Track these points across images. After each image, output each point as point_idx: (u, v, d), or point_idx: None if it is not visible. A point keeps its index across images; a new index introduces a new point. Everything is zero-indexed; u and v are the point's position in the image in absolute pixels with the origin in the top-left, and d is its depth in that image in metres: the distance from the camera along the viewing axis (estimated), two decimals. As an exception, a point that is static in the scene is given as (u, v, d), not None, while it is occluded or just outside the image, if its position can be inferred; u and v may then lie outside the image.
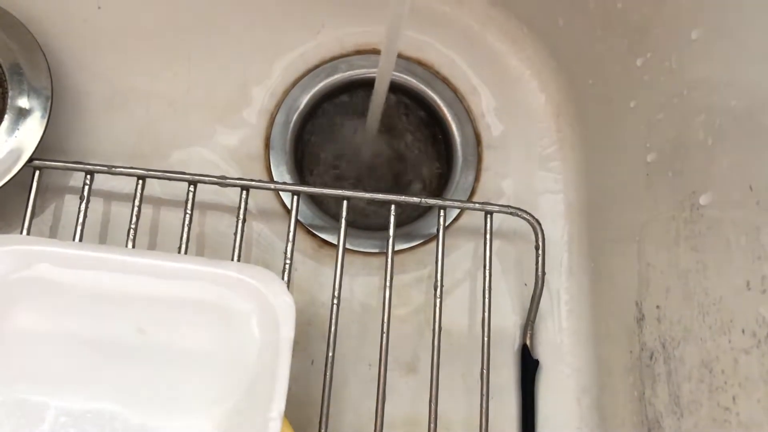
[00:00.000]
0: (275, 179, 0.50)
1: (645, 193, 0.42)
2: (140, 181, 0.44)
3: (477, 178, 0.52)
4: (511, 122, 0.53)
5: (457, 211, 0.51)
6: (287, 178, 0.51)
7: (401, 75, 0.53)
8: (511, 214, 0.46)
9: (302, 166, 0.53)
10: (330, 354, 0.42)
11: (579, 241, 0.50)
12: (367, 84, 0.53)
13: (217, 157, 0.51)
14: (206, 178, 0.45)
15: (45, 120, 0.45)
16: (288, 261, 0.43)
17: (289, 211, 0.45)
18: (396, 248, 0.46)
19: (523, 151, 0.52)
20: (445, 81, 0.53)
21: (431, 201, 0.46)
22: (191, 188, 0.44)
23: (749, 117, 0.33)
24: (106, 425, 0.38)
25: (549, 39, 0.52)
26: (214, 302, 0.39)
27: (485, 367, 0.43)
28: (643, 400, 0.40)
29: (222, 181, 0.45)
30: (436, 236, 0.45)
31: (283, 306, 0.38)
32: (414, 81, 0.53)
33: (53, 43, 0.50)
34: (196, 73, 0.52)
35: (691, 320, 0.36)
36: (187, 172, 0.45)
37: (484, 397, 0.43)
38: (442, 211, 0.45)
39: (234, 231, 0.44)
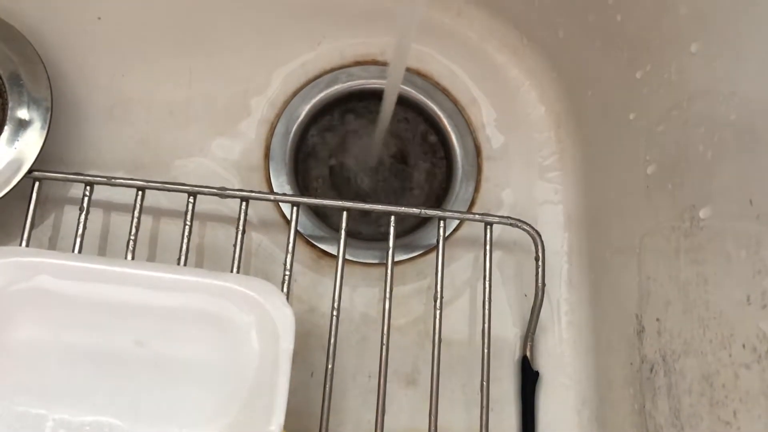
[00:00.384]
0: (275, 190, 0.50)
1: (645, 205, 0.42)
2: (140, 193, 0.44)
3: (477, 189, 0.52)
4: (510, 133, 0.53)
5: (457, 222, 0.51)
6: (287, 189, 0.51)
7: (402, 86, 0.53)
8: (511, 225, 0.46)
9: (302, 177, 0.53)
10: (330, 365, 0.42)
11: (579, 253, 0.50)
12: (367, 95, 0.53)
13: (217, 167, 0.51)
14: (206, 190, 0.45)
15: (45, 131, 0.45)
16: (288, 272, 0.43)
17: (288, 222, 0.45)
18: (396, 259, 0.46)
19: (523, 162, 0.52)
20: (445, 92, 0.54)
21: (431, 212, 0.46)
22: (191, 199, 0.44)
23: (749, 130, 0.33)
24: (104, 438, 0.38)
25: (549, 50, 0.52)
26: (213, 314, 0.39)
27: (485, 378, 0.43)
28: (643, 413, 0.40)
29: (222, 193, 0.45)
30: (436, 247, 0.45)
31: (283, 318, 0.38)
32: (414, 92, 0.53)
33: (53, 54, 0.50)
34: (196, 83, 0.52)
35: (692, 334, 0.36)
36: (186, 183, 0.45)
37: (484, 409, 0.43)
38: (441, 222, 0.45)
39: (234, 242, 0.44)
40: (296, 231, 0.44)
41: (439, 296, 0.44)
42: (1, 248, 0.40)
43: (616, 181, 0.46)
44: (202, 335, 0.39)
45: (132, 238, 0.43)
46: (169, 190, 0.45)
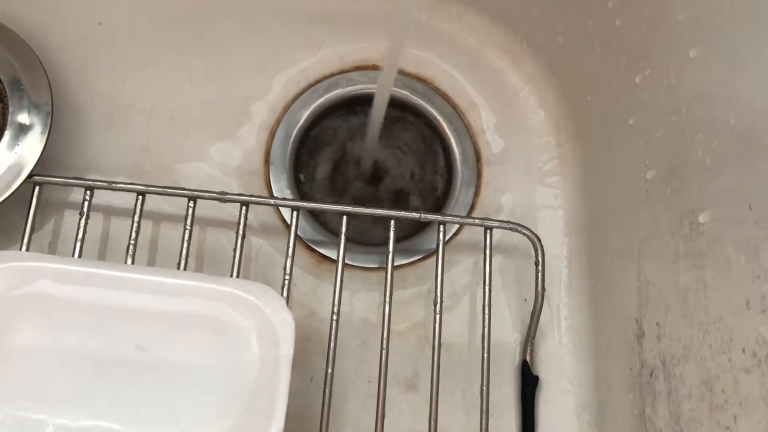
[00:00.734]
0: (275, 194, 0.51)
1: (644, 209, 0.42)
2: (140, 197, 0.44)
3: (477, 194, 0.52)
4: (510, 138, 0.53)
5: (457, 226, 0.51)
6: (287, 194, 0.51)
7: (401, 90, 0.53)
8: (510, 229, 0.46)
9: (302, 182, 0.53)
10: (329, 370, 0.42)
11: (579, 257, 0.50)
12: (367, 100, 0.53)
13: (217, 172, 0.51)
14: (206, 194, 0.45)
15: (45, 135, 0.45)
16: (287, 276, 0.43)
17: (288, 227, 0.45)
18: (396, 263, 0.46)
19: (523, 166, 0.52)
20: (445, 97, 0.54)
21: (431, 216, 0.46)
22: (191, 204, 0.44)
23: (748, 135, 0.33)
24: (104, 443, 0.38)
25: (548, 55, 0.52)
26: (213, 319, 0.39)
27: (485, 383, 0.43)
28: (643, 418, 0.40)
29: (222, 197, 0.45)
30: (436, 251, 0.45)
31: (283, 322, 0.38)
32: (413, 97, 0.53)
33: (54, 59, 0.50)
34: (197, 88, 0.52)
35: (691, 338, 0.36)
36: (186, 187, 0.45)
37: (484, 414, 0.42)
38: (441, 226, 0.45)
39: (233, 246, 0.44)
40: (296, 235, 0.44)
41: (439, 301, 0.44)
42: (2, 253, 0.40)
43: (616, 186, 0.47)
44: (202, 340, 0.39)
45: (132, 242, 0.43)
46: (169, 194, 0.45)
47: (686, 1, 0.38)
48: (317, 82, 0.53)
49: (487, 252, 0.45)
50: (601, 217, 0.48)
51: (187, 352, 0.39)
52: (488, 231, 0.45)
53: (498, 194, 0.52)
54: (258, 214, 0.50)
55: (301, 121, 0.52)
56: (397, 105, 0.53)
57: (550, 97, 0.53)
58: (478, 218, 0.46)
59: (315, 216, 0.51)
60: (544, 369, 0.48)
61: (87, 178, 0.45)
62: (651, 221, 0.41)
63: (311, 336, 0.48)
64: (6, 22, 0.47)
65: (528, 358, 0.48)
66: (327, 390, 0.42)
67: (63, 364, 0.39)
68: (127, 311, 0.39)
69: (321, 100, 0.53)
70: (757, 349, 0.31)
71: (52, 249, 0.48)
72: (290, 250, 0.44)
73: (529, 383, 0.47)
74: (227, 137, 0.52)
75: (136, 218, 0.44)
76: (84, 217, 0.44)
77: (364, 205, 0.46)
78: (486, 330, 0.44)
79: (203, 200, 0.45)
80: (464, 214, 0.51)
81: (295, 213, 0.45)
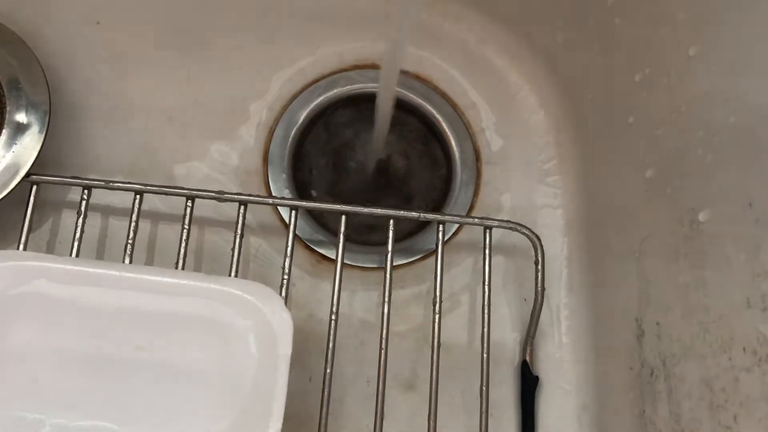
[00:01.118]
0: (273, 194, 0.50)
1: (644, 208, 0.42)
2: (138, 196, 0.44)
3: (476, 193, 0.52)
4: (510, 137, 0.53)
5: (456, 226, 0.51)
6: (285, 193, 0.51)
7: (400, 90, 0.53)
8: (510, 229, 0.46)
9: (300, 181, 0.53)
10: (328, 370, 0.42)
11: (579, 257, 0.50)
12: (366, 99, 0.53)
13: (216, 172, 0.51)
14: (204, 193, 0.45)
15: (43, 135, 0.45)
16: (286, 276, 0.43)
17: (287, 226, 0.45)
18: (395, 263, 0.46)
19: (523, 166, 0.52)
20: (444, 96, 0.53)
21: (430, 216, 0.46)
22: (189, 203, 0.44)
23: (748, 133, 0.33)
24: (101, 443, 0.38)
25: (548, 54, 0.52)
26: (211, 318, 0.39)
27: (485, 383, 0.43)
28: (643, 418, 0.40)
29: (220, 196, 0.45)
30: (435, 251, 0.45)
31: (281, 323, 0.38)
32: (412, 96, 0.53)
33: (52, 59, 0.50)
34: (195, 88, 0.52)
35: (692, 337, 0.36)
36: (184, 187, 0.45)
37: (484, 414, 0.42)
38: (441, 226, 0.45)
39: (232, 246, 0.44)
40: (295, 235, 0.44)
41: (438, 301, 0.44)
42: (-1, 252, 0.40)
43: (616, 185, 0.46)
44: (199, 339, 0.39)
45: (130, 242, 0.43)
46: (167, 193, 0.45)
47: (686, -1, 0.38)
48: (316, 81, 0.53)
49: (487, 252, 0.45)
50: (601, 217, 0.48)
51: (185, 351, 0.39)
52: (488, 230, 0.45)
53: (497, 194, 0.52)
54: (256, 214, 0.50)
55: (300, 121, 0.52)
56: (396, 104, 0.53)
57: (549, 96, 0.53)
58: (478, 218, 0.46)
59: (314, 215, 0.51)
60: (543, 369, 0.48)
61: (85, 177, 0.45)
62: (651, 220, 0.41)
63: (310, 336, 0.48)
64: (3, 20, 0.47)
65: (528, 358, 0.47)
66: (326, 390, 0.42)
67: (60, 364, 0.39)
68: (125, 311, 0.39)
69: (320, 99, 0.53)
70: (757, 347, 0.31)
71: (50, 248, 0.48)
72: (289, 249, 0.44)
73: (528, 383, 0.47)
74: (225, 137, 0.52)
75: (134, 218, 0.44)
76: (82, 216, 0.44)
77: (363, 204, 0.45)
78: (485, 330, 0.44)
79: (201, 200, 0.45)
80: (463, 213, 0.51)
81: (293, 212, 0.45)
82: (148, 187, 0.44)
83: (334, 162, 0.54)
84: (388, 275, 0.44)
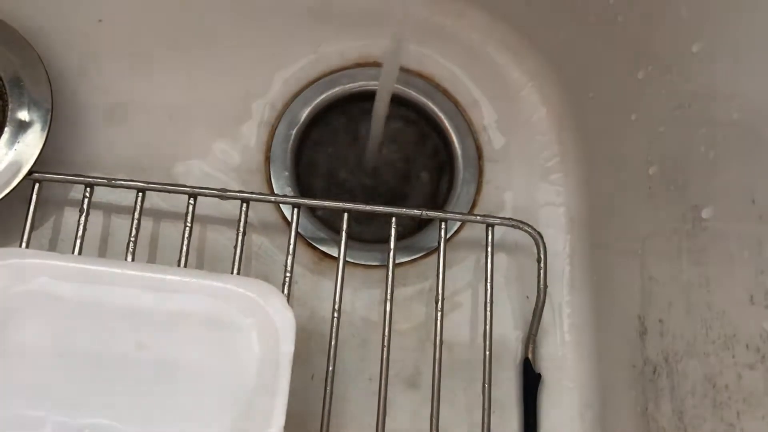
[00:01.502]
0: (275, 192, 0.50)
1: (647, 206, 0.42)
2: (140, 194, 0.44)
3: (478, 191, 0.52)
4: (512, 135, 0.53)
5: (459, 223, 0.51)
6: (287, 191, 0.51)
7: (401, 87, 0.53)
8: (512, 226, 0.46)
9: (303, 179, 0.53)
10: (330, 368, 0.42)
11: (581, 254, 0.50)
12: (368, 97, 0.53)
13: (218, 169, 0.51)
14: (206, 191, 0.45)
15: (45, 133, 0.45)
16: (288, 274, 0.43)
17: (289, 224, 0.45)
18: (397, 261, 0.46)
19: (525, 163, 0.52)
20: (446, 93, 0.53)
21: (432, 213, 0.45)
22: (191, 201, 0.44)
23: (751, 130, 0.33)
24: (104, 440, 0.38)
25: (550, 52, 0.52)
26: (213, 316, 0.39)
27: (487, 381, 0.43)
28: (646, 415, 0.40)
29: (222, 194, 0.45)
30: (437, 249, 0.45)
31: (283, 320, 0.38)
32: (414, 93, 0.53)
33: (54, 56, 0.50)
34: (197, 86, 0.52)
35: (694, 334, 0.36)
36: (187, 184, 0.45)
37: (486, 412, 0.42)
38: (443, 223, 0.45)
39: (234, 244, 0.44)
40: (297, 233, 0.44)
41: (440, 298, 0.44)
42: (1, 250, 0.40)
43: (618, 183, 0.46)
44: (202, 337, 0.39)
45: (132, 239, 0.43)
46: (169, 191, 0.45)
47: (689, -5, 0.38)
48: (318, 79, 0.53)
49: (489, 249, 0.45)
50: (604, 214, 0.48)
51: (187, 349, 0.39)
52: (490, 228, 0.45)
53: (500, 191, 0.52)
54: (258, 212, 0.50)
55: (302, 119, 0.52)
56: (398, 102, 0.53)
57: (552, 93, 0.53)
58: (480, 215, 0.46)
59: (316, 213, 0.51)
60: (546, 367, 0.48)
61: (87, 175, 0.45)
62: (653, 217, 0.41)
63: (312, 334, 0.48)
64: (6, 18, 0.47)
65: (530, 356, 0.47)
66: (328, 388, 0.42)
67: (62, 362, 0.39)
68: (127, 308, 0.39)
69: (322, 97, 0.53)
70: (760, 344, 0.31)
71: (52, 246, 0.48)
72: (291, 247, 0.44)
73: (531, 381, 0.47)
74: (228, 135, 0.52)
75: (136, 215, 0.44)
76: (84, 214, 0.44)
77: (365, 202, 0.45)
78: (488, 328, 0.44)
79: (204, 197, 0.45)
80: (466, 211, 0.51)
81: (295, 210, 0.45)
82: (150, 185, 0.44)
83: (337, 160, 0.54)
84: (390, 273, 0.44)
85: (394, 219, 0.45)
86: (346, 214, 0.45)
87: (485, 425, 0.42)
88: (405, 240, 0.50)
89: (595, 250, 0.49)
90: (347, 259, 0.45)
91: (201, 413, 0.38)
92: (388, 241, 0.45)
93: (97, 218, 0.48)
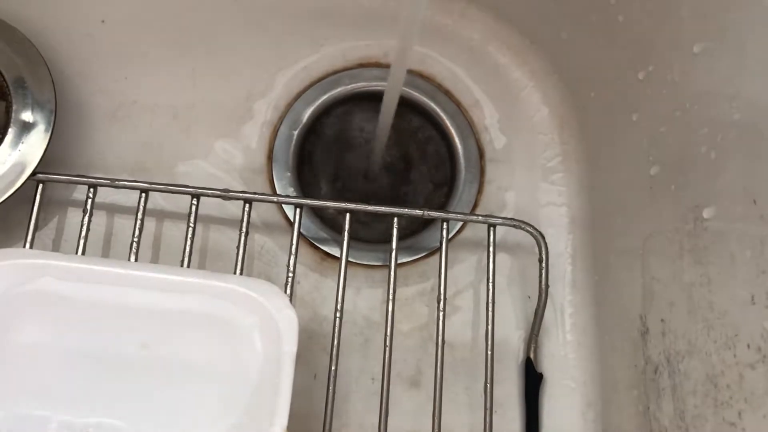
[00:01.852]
0: (278, 192, 0.50)
1: (648, 206, 0.42)
2: (143, 195, 0.44)
3: (480, 191, 0.52)
4: (514, 135, 0.53)
5: (460, 223, 0.51)
6: (290, 191, 0.51)
7: (404, 88, 0.53)
8: (514, 226, 0.46)
9: (305, 179, 0.53)
10: (333, 368, 0.42)
11: (583, 254, 0.50)
12: (371, 97, 0.53)
13: (220, 170, 0.51)
14: (209, 191, 0.45)
15: (48, 133, 0.45)
16: (291, 274, 0.43)
17: (291, 224, 0.45)
18: (399, 261, 0.46)
19: (527, 163, 0.52)
20: (448, 94, 0.54)
21: (434, 214, 0.46)
22: (194, 201, 0.44)
23: (752, 130, 0.33)
24: (107, 440, 0.38)
25: (552, 52, 0.52)
26: (216, 316, 0.39)
27: (489, 380, 0.43)
28: (647, 415, 0.40)
29: (225, 194, 0.45)
30: (439, 249, 0.45)
31: (286, 320, 0.38)
32: (416, 94, 0.53)
33: (57, 57, 0.50)
34: (200, 86, 0.52)
35: (696, 334, 0.36)
36: (190, 185, 0.45)
37: (488, 411, 0.42)
38: (445, 223, 0.45)
39: (237, 244, 0.44)
40: (299, 233, 0.44)
41: (442, 298, 0.44)
42: (5, 250, 0.40)
43: (620, 182, 0.46)
44: (205, 337, 0.39)
45: (135, 240, 0.43)
46: (172, 192, 0.45)
47: (690, -4, 0.38)
48: (320, 79, 0.53)
49: (491, 249, 0.45)
50: (605, 214, 0.48)
51: (191, 349, 0.39)
52: (492, 228, 0.45)
53: (501, 191, 0.52)
54: (261, 212, 0.50)
55: (304, 119, 0.52)
56: (400, 102, 0.53)
57: (553, 93, 0.53)
58: (482, 215, 0.46)
59: (318, 213, 0.51)
60: (548, 366, 0.48)
61: (90, 175, 0.45)
62: (655, 217, 0.41)
63: (314, 333, 0.48)
64: (9, 20, 0.48)
65: (532, 356, 0.48)
66: (330, 388, 0.42)
67: (66, 361, 0.39)
68: (131, 308, 0.39)
69: (324, 97, 0.53)
70: (762, 344, 0.31)
71: (56, 247, 0.48)
72: (293, 247, 0.44)
73: (533, 381, 0.47)
74: (230, 135, 0.52)
75: (140, 216, 0.44)
76: (87, 214, 0.44)
77: (367, 202, 0.46)
78: (489, 327, 0.44)
79: (206, 198, 0.45)
80: (467, 211, 0.51)
81: (298, 210, 0.45)
82: (153, 186, 0.44)
83: (339, 160, 0.54)
84: (392, 273, 0.44)
85: (396, 219, 0.45)
86: (348, 214, 0.45)
87: (487, 425, 0.42)
88: (407, 240, 0.51)
89: (596, 250, 0.49)
90: (349, 259, 0.45)
91: (204, 412, 0.39)
92: (390, 241, 0.45)
93: (100, 218, 0.48)
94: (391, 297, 0.43)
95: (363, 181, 0.54)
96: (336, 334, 0.42)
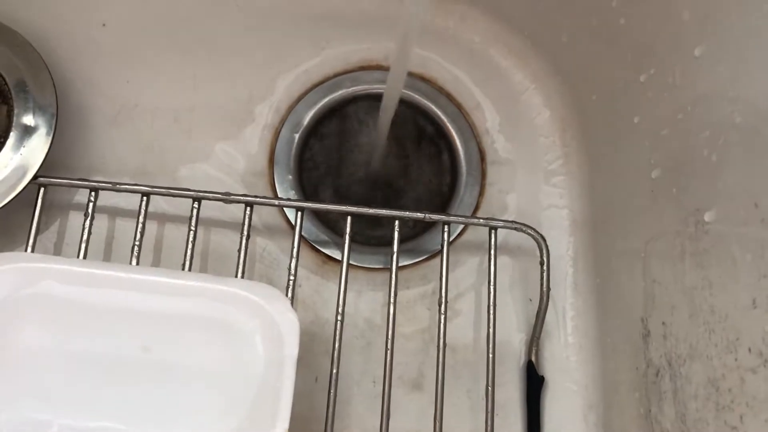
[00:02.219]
0: (279, 195, 0.51)
1: (650, 209, 0.42)
2: (144, 198, 0.44)
3: (481, 194, 0.52)
4: (515, 138, 0.53)
5: (462, 226, 0.51)
6: (291, 194, 0.51)
7: (405, 91, 0.53)
8: (515, 229, 0.46)
9: (306, 182, 0.53)
10: (334, 371, 0.42)
11: (584, 257, 0.50)
12: (372, 99, 0.53)
13: (222, 173, 0.51)
14: (210, 195, 0.45)
15: (50, 137, 0.45)
16: (292, 277, 0.43)
17: (293, 227, 0.45)
18: (400, 264, 0.46)
19: (528, 166, 0.52)
20: (449, 97, 0.54)
21: (435, 216, 0.46)
22: (195, 205, 0.45)
23: (754, 133, 0.33)
24: (109, 443, 0.38)
25: (553, 54, 0.52)
26: (218, 319, 0.39)
27: (490, 383, 0.43)
28: (649, 418, 0.40)
29: (226, 198, 0.45)
30: (441, 252, 0.45)
31: (288, 323, 0.38)
32: (418, 97, 0.53)
33: (58, 61, 0.50)
34: (201, 89, 0.52)
35: (697, 338, 0.36)
36: (191, 188, 0.45)
37: (490, 414, 0.42)
38: (446, 226, 0.45)
39: (238, 247, 0.44)
40: (300, 236, 0.44)
41: (443, 301, 0.44)
42: (7, 254, 0.40)
43: (621, 185, 0.46)
44: (206, 340, 0.39)
45: (137, 243, 0.44)
46: (173, 195, 0.45)
47: (691, -1, 0.38)
48: (321, 82, 0.53)
49: (492, 252, 0.45)
50: (607, 217, 0.48)
51: (192, 352, 0.39)
52: (493, 231, 0.45)
53: (503, 194, 0.52)
54: (262, 215, 0.50)
55: (306, 122, 0.52)
56: (401, 105, 0.53)
57: (555, 96, 0.53)
58: (483, 218, 0.46)
59: (319, 216, 0.51)
60: (549, 369, 0.48)
61: (92, 179, 0.45)
62: (656, 220, 0.41)
63: (316, 336, 0.48)
64: (11, 24, 0.48)
65: (533, 358, 0.48)
66: (332, 391, 0.42)
67: (68, 365, 0.39)
68: (132, 312, 0.39)
69: (325, 100, 0.53)
70: (763, 348, 0.31)
71: (57, 250, 0.48)
72: (295, 250, 0.44)
73: (534, 383, 0.47)
74: (231, 138, 0.52)
75: (141, 219, 0.44)
76: (89, 218, 0.44)
77: (368, 205, 0.46)
78: (491, 330, 0.44)
79: (208, 201, 0.45)
80: (469, 214, 0.51)
81: (299, 213, 0.45)
82: (154, 189, 0.45)
83: (340, 163, 0.54)
84: (393, 276, 0.44)
85: (397, 222, 0.45)
86: (349, 217, 0.45)
87: (489, 427, 0.42)
88: (408, 243, 0.51)
89: (598, 253, 0.49)
90: (351, 262, 0.45)
91: (206, 416, 0.39)
92: (391, 244, 0.45)
93: (102, 222, 0.49)
94: (392, 300, 0.43)
95: (364, 183, 0.54)
96: (337, 337, 0.43)
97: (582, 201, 0.51)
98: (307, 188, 0.52)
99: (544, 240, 0.45)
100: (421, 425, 0.46)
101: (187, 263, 0.43)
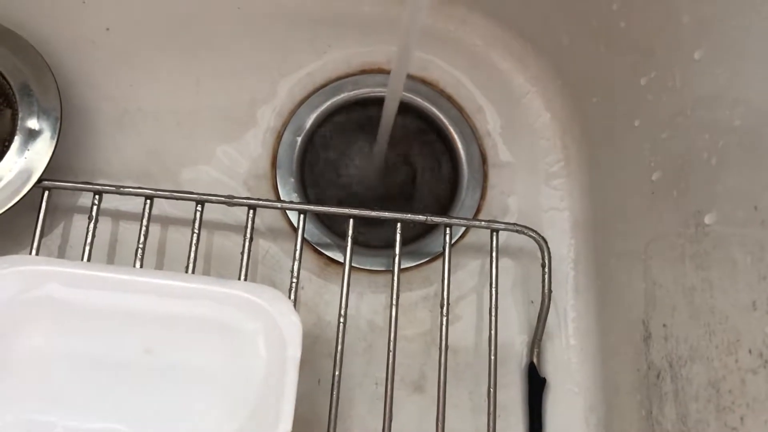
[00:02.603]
0: (282, 198, 0.51)
1: (650, 211, 0.42)
2: (148, 201, 0.45)
3: (483, 196, 0.52)
4: (516, 140, 0.53)
5: (463, 228, 0.51)
6: (294, 197, 0.51)
7: (406, 94, 0.53)
8: (517, 231, 0.46)
9: (309, 185, 0.53)
10: (337, 373, 0.42)
11: (585, 259, 0.50)
12: (374, 103, 0.54)
13: (225, 176, 0.51)
14: (213, 198, 0.45)
15: (54, 141, 0.45)
16: (294, 279, 0.43)
17: (295, 230, 0.45)
18: (402, 266, 0.47)
19: (529, 168, 0.52)
20: (450, 99, 0.54)
21: (437, 219, 0.46)
22: (199, 207, 0.45)
23: (753, 136, 0.33)
24: (113, 445, 0.38)
25: (554, 57, 0.52)
26: (221, 321, 0.40)
27: (492, 385, 0.43)
28: (650, 419, 0.40)
29: (229, 201, 0.45)
30: (442, 254, 0.45)
31: (290, 325, 0.39)
32: (419, 100, 0.53)
33: (62, 65, 0.50)
34: (204, 93, 0.53)
35: (698, 339, 0.36)
36: (194, 191, 0.45)
37: (491, 416, 0.43)
38: (448, 228, 0.45)
39: (241, 250, 0.44)
40: (303, 238, 0.45)
41: (445, 303, 0.44)
42: (12, 257, 0.40)
43: (622, 188, 0.47)
44: (209, 342, 0.40)
45: (140, 246, 0.44)
46: (177, 198, 0.45)
47: (691, 2, 0.38)
48: (324, 85, 0.53)
49: (494, 254, 0.45)
50: (608, 219, 0.48)
51: (195, 354, 0.40)
52: (494, 233, 0.46)
53: (504, 196, 0.52)
54: (265, 218, 0.50)
55: (308, 125, 0.53)
56: (402, 108, 0.53)
57: (555, 99, 0.53)
58: (485, 220, 0.46)
59: (322, 219, 0.51)
60: (551, 371, 0.48)
61: (95, 182, 0.45)
62: (657, 222, 0.41)
63: (318, 339, 0.48)
64: (15, 28, 0.48)
65: (535, 360, 0.48)
66: (334, 392, 0.42)
67: (71, 367, 0.39)
68: (136, 314, 0.40)
69: (328, 103, 0.53)
70: (763, 349, 0.31)
71: (61, 253, 0.49)
72: (297, 253, 0.44)
73: (536, 385, 0.47)
74: (234, 141, 0.52)
75: (145, 222, 0.44)
76: (93, 221, 0.44)
77: (370, 207, 0.46)
78: (493, 332, 0.44)
79: (211, 204, 0.45)
80: (470, 216, 0.51)
81: (302, 216, 0.45)
82: (158, 192, 0.45)
83: (342, 166, 0.54)
84: (395, 278, 0.44)
85: (399, 224, 0.45)
86: (351, 220, 0.45)
87: (491, 429, 0.42)
88: (410, 245, 0.51)
89: (599, 255, 0.49)
90: (353, 264, 0.45)
91: (209, 418, 0.39)
92: (393, 246, 0.45)
93: (105, 225, 0.49)
94: (394, 302, 0.44)
95: (366, 186, 0.54)
96: (340, 339, 0.43)
97: (583, 203, 0.51)
98: (309, 191, 0.53)
99: (546, 242, 0.45)
100: (423, 427, 0.46)
101: (190, 266, 0.44)
